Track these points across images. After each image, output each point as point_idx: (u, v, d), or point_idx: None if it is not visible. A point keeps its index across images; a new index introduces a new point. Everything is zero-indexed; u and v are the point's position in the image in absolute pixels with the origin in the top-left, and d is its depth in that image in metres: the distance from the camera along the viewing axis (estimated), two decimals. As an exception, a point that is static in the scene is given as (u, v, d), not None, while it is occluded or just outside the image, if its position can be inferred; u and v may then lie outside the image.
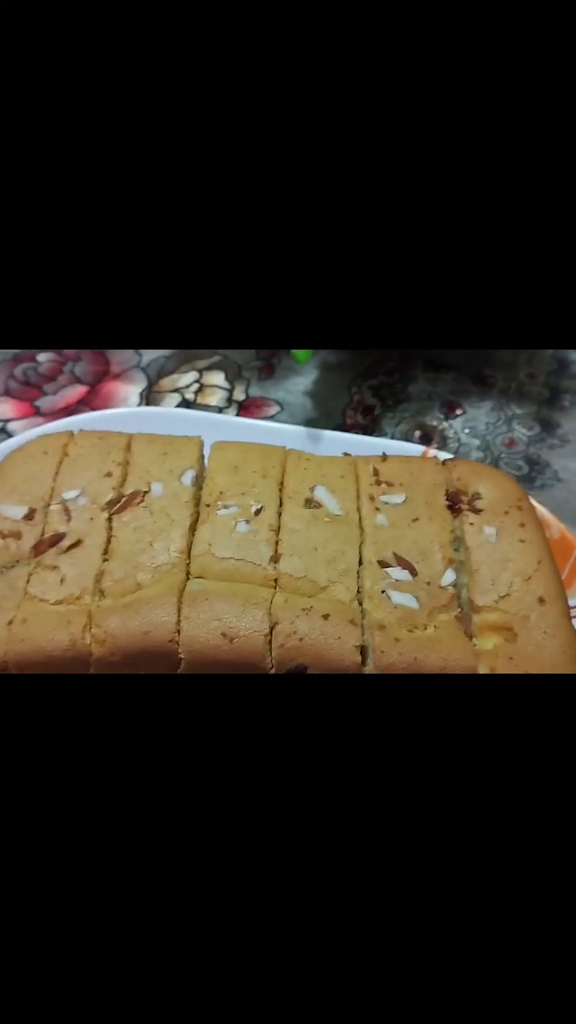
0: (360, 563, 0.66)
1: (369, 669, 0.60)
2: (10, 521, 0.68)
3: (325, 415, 1.03)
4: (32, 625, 0.61)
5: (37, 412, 1.07)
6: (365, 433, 0.95)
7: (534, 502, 0.74)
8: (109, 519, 0.68)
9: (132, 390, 1.09)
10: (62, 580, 0.64)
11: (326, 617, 0.60)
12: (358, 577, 0.65)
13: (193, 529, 0.67)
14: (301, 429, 0.87)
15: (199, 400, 1.08)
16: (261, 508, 0.68)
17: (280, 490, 0.70)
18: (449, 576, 0.65)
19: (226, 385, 1.09)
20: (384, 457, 0.74)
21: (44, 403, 1.08)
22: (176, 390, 1.09)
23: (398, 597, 0.63)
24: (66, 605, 0.62)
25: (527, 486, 0.92)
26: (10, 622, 0.61)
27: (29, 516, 0.69)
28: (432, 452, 0.81)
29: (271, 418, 1.04)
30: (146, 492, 0.70)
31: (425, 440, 0.98)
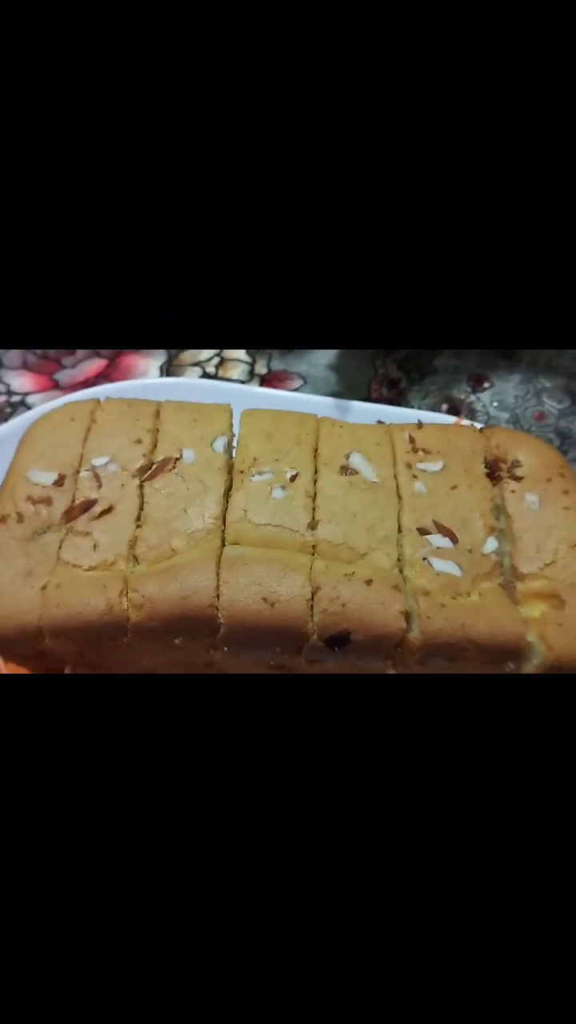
0: (399, 530, 0.64)
1: (414, 635, 0.58)
2: (40, 487, 0.66)
3: (349, 389, 1.01)
4: (67, 590, 0.59)
5: (56, 386, 1.05)
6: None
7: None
8: (140, 486, 0.66)
9: (152, 364, 1.07)
10: (95, 546, 0.62)
11: (369, 583, 0.59)
12: (398, 545, 0.63)
13: (227, 496, 0.66)
14: (329, 400, 0.86)
15: (220, 374, 1.06)
16: (296, 474, 0.66)
17: (315, 457, 0.68)
18: (491, 544, 0.64)
19: (247, 359, 1.07)
20: (420, 425, 0.72)
21: (63, 376, 1.06)
22: (197, 363, 1.07)
23: (440, 564, 0.62)
24: (100, 571, 0.61)
25: (558, 460, 0.90)
26: (44, 587, 0.60)
27: (59, 482, 0.67)
28: (465, 422, 0.79)
29: (295, 392, 1.02)
30: (177, 459, 0.68)
31: (453, 413, 0.96)
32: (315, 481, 0.66)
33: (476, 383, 0.99)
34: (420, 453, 0.70)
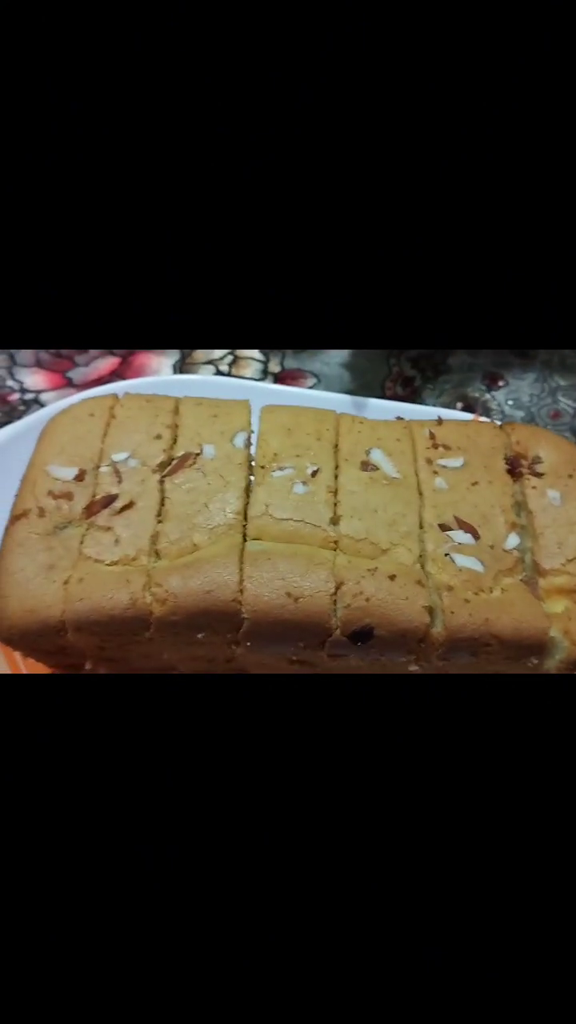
0: (420, 526, 0.64)
1: (438, 631, 0.58)
2: (60, 482, 0.66)
3: (363, 387, 1.01)
4: (89, 585, 0.59)
5: (69, 383, 1.05)
6: (407, 404, 0.93)
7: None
8: (161, 481, 0.66)
9: (165, 362, 1.08)
10: (116, 541, 0.62)
11: (392, 578, 0.59)
12: (420, 540, 0.63)
13: (248, 491, 0.66)
14: (346, 397, 0.86)
15: (233, 372, 1.06)
16: (317, 470, 0.66)
17: (335, 453, 0.68)
18: (513, 540, 0.63)
19: (261, 357, 1.07)
20: (440, 421, 0.72)
21: (76, 374, 1.06)
22: (210, 362, 1.07)
23: (462, 560, 0.61)
24: (122, 566, 0.61)
25: (573, 458, 0.90)
26: (66, 582, 0.60)
27: (79, 477, 0.67)
28: (484, 419, 0.79)
29: (310, 390, 1.02)
30: (198, 454, 0.68)
31: (468, 411, 0.96)
32: (336, 477, 0.66)
33: (491, 382, 0.99)
34: (440, 449, 0.69)
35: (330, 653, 0.60)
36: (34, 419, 0.80)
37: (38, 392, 1.03)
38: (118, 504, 0.64)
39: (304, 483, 0.65)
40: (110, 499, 0.65)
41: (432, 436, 0.70)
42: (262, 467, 0.66)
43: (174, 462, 0.67)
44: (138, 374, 1.06)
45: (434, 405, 0.97)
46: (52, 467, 0.67)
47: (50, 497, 0.65)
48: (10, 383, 1.04)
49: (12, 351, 1.08)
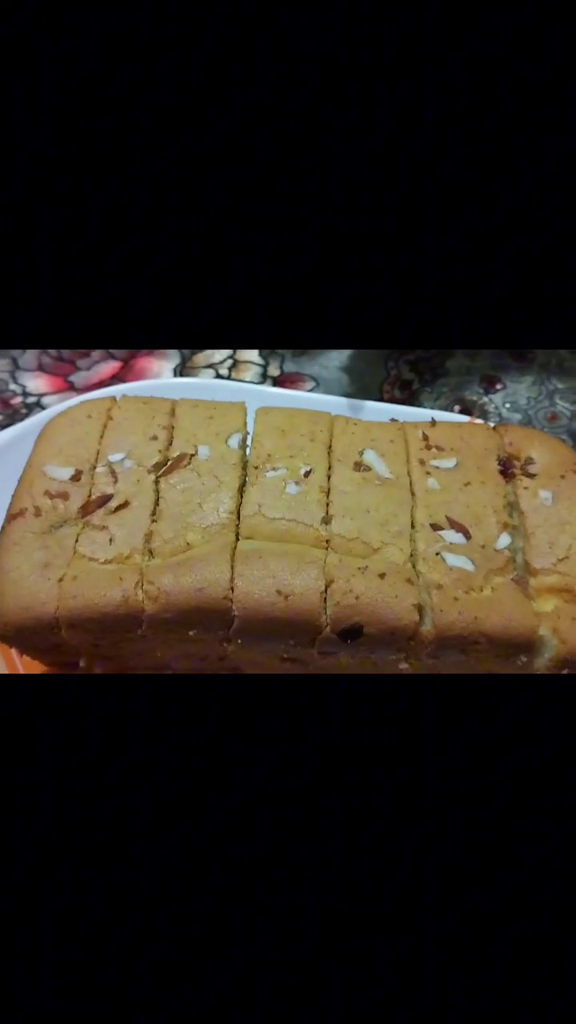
0: (412, 526, 0.64)
1: (427, 629, 0.58)
2: (57, 482, 0.67)
3: (362, 390, 1.02)
4: (83, 582, 0.60)
5: (71, 387, 1.06)
6: (405, 407, 0.94)
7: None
8: (156, 481, 0.67)
9: (166, 365, 1.09)
10: (111, 540, 0.63)
11: (382, 576, 0.59)
12: (412, 540, 0.63)
13: (241, 491, 0.66)
14: (342, 400, 0.86)
15: (233, 376, 1.07)
16: (310, 470, 0.67)
17: (329, 454, 0.69)
18: (504, 540, 0.64)
19: (260, 360, 1.08)
20: (433, 422, 0.73)
21: (78, 378, 1.07)
22: (210, 365, 1.08)
23: (453, 559, 0.62)
24: (116, 564, 0.62)
25: (570, 460, 0.90)
26: (60, 579, 0.60)
27: (75, 477, 0.68)
28: (479, 421, 0.80)
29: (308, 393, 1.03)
30: (192, 455, 0.69)
31: (465, 414, 0.96)
32: (329, 477, 0.67)
33: (488, 384, 1.00)
34: (434, 450, 0.70)
35: (320, 651, 0.60)
36: (34, 421, 0.81)
37: (40, 395, 1.05)
38: (113, 504, 0.65)
39: (297, 483, 0.66)
40: (105, 499, 0.66)
41: (425, 437, 0.71)
42: (255, 467, 0.67)
43: (169, 462, 0.68)
44: (139, 378, 1.07)
45: (432, 408, 0.98)
46: (49, 467, 0.68)
47: (46, 497, 0.66)
48: (12, 387, 1.06)
49: (15, 355, 1.10)
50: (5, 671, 0.71)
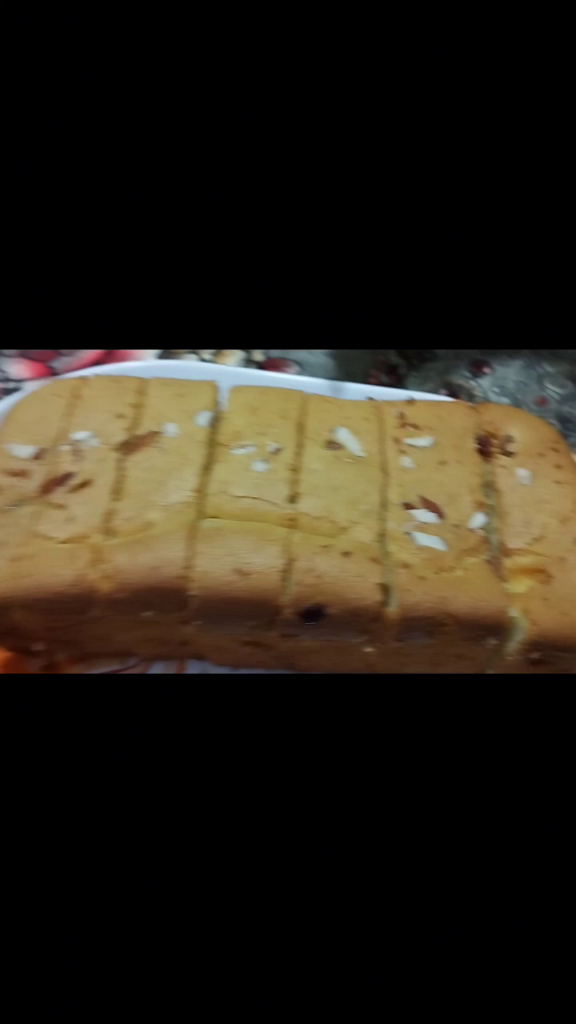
0: (384, 505, 0.62)
1: (392, 609, 0.56)
2: (18, 460, 0.65)
3: (348, 375, 0.99)
4: (37, 561, 0.57)
5: (53, 373, 1.04)
6: (389, 390, 0.91)
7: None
8: (120, 459, 0.65)
9: (148, 352, 1.07)
10: (70, 519, 0.61)
11: (346, 555, 0.56)
12: (381, 519, 0.61)
13: (207, 469, 0.64)
14: (324, 382, 0.84)
15: (217, 361, 1.04)
16: (280, 448, 0.64)
17: (300, 432, 0.66)
18: (479, 519, 0.61)
19: (246, 346, 1.06)
20: (411, 401, 0.70)
21: (60, 364, 1.06)
22: (193, 351, 1.06)
23: (424, 539, 0.59)
24: (73, 543, 0.59)
25: (560, 445, 0.87)
26: (14, 559, 0.58)
27: (38, 456, 0.66)
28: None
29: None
30: (159, 432, 0.67)
31: (452, 398, 0.94)
32: (298, 455, 0.64)
33: (476, 368, 0.97)
34: (409, 428, 0.67)
35: (282, 633, 0.58)
36: (5, 404, 0.80)
37: (20, 381, 1.03)
38: (74, 482, 0.63)
39: (265, 461, 0.63)
40: (66, 477, 0.63)
41: (401, 416, 0.68)
42: (222, 444, 0.65)
43: (135, 441, 0.66)
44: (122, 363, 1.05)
45: (416, 392, 0.95)
46: (11, 445, 0.66)
47: (6, 475, 0.64)
48: (-7, 373, 1.04)
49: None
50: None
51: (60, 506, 0.62)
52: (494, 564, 0.59)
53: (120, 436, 0.66)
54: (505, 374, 0.96)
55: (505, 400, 0.93)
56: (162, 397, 0.70)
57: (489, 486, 0.64)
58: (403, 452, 0.65)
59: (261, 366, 1.04)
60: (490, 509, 0.63)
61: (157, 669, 0.68)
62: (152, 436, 0.66)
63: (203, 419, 0.67)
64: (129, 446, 0.66)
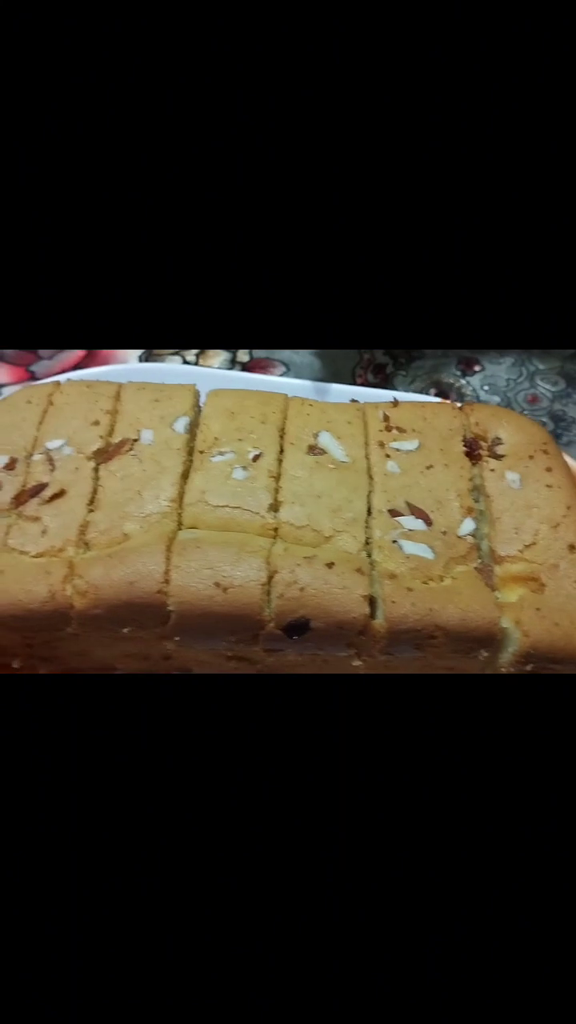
0: (369, 512, 0.60)
1: (379, 622, 0.53)
2: (-11, 471, 0.63)
3: (334, 375, 0.97)
4: (8, 577, 0.55)
5: (33, 377, 1.02)
6: (376, 390, 0.89)
7: (561, 448, 0.67)
8: (96, 468, 0.63)
9: (131, 354, 1.04)
10: (44, 532, 0.59)
11: (330, 566, 0.54)
12: (366, 527, 0.59)
13: (185, 477, 0.62)
14: (307, 383, 0.81)
15: (200, 363, 1.02)
16: (260, 454, 0.62)
17: (281, 436, 0.64)
18: (468, 525, 0.59)
19: (229, 347, 1.04)
20: (395, 403, 0.68)
21: (40, 368, 1.03)
22: (176, 352, 1.04)
23: (411, 547, 0.57)
24: (47, 557, 0.57)
25: (551, 444, 0.85)
26: (-15, 574, 0.56)
27: (9, 466, 0.63)
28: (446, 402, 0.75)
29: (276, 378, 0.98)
30: (135, 440, 0.64)
31: (441, 398, 0.91)
32: (280, 461, 0.62)
33: (466, 367, 0.95)
34: (394, 432, 0.65)
35: (265, 647, 0.56)
36: (-21, 410, 0.77)
37: (0, 386, 1.00)
38: (48, 493, 0.61)
39: (244, 468, 0.61)
40: (40, 488, 0.61)
41: (386, 418, 0.66)
42: (201, 452, 0.63)
43: (110, 449, 0.64)
44: (104, 365, 1.03)
45: (407, 392, 0.93)
46: (-20, 456, 0.64)
47: (-23, 487, 0.62)
48: (-28, 378, 1.01)
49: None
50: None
51: (33, 518, 0.59)
52: (484, 572, 0.57)
53: (95, 444, 0.64)
54: (495, 372, 0.94)
55: (496, 399, 0.91)
56: (138, 403, 0.68)
57: (478, 490, 0.62)
58: (388, 456, 0.63)
59: (246, 367, 1.01)
60: (479, 515, 0.60)
61: (138, 685, 0.65)
62: (128, 443, 0.64)
63: (180, 425, 0.65)
64: (104, 454, 0.64)
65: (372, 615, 0.54)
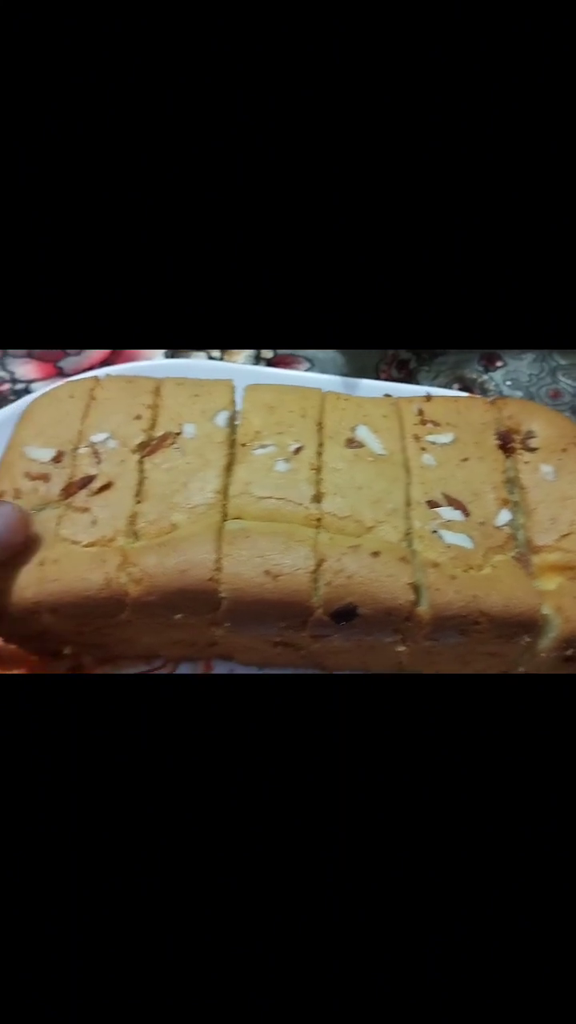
0: (408, 504, 0.61)
1: (424, 609, 0.55)
2: (38, 463, 0.65)
3: (357, 371, 0.99)
4: (64, 566, 0.57)
5: (60, 373, 1.03)
6: (402, 386, 0.91)
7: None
8: (140, 461, 0.64)
9: (157, 352, 1.06)
10: (94, 522, 0.60)
11: (376, 555, 0.56)
12: (407, 518, 0.60)
13: (228, 470, 0.64)
14: (336, 378, 0.83)
15: (225, 359, 1.04)
16: (300, 447, 0.64)
17: (319, 430, 0.66)
18: (504, 516, 0.61)
19: (254, 343, 1.05)
20: (428, 397, 0.70)
21: (67, 364, 1.05)
22: (202, 348, 1.05)
23: (451, 537, 0.59)
24: (99, 547, 0.59)
25: (574, 438, 0.87)
26: (41, 563, 0.58)
27: (57, 459, 0.65)
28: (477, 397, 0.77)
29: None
30: (178, 434, 0.66)
31: (464, 393, 0.93)
32: (319, 454, 0.64)
33: (488, 362, 0.97)
34: (429, 425, 0.67)
35: (313, 633, 0.58)
36: (16, 407, 0.79)
37: (29, 382, 1.02)
38: (96, 485, 0.62)
39: (286, 460, 0.63)
40: (87, 480, 0.63)
41: (420, 412, 0.68)
42: (243, 445, 0.64)
43: (154, 442, 0.65)
44: (129, 363, 1.04)
45: (430, 387, 0.95)
46: (29, 449, 0.65)
47: (27, 479, 0.63)
48: (1, 373, 1.03)
49: (2, 341, 1.07)
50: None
51: (83, 509, 0.61)
52: (522, 561, 0.59)
53: (138, 437, 0.66)
54: (518, 367, 0.95)
55: (519, 393, 0.93)
56: (178, 397, 0.69)
57: (512, 482, 0.64)
58: (424, 449, 0.65)
59: (270, 363, 1.03)
60: (515, 506, 0.62)
61: (184, 670, 0.67)
62: (170, 437, 0.66)
63: (221, 419, 0.67)
64: (147, 447, 0.65)
65: (417, 602, 0.56)
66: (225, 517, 0.60)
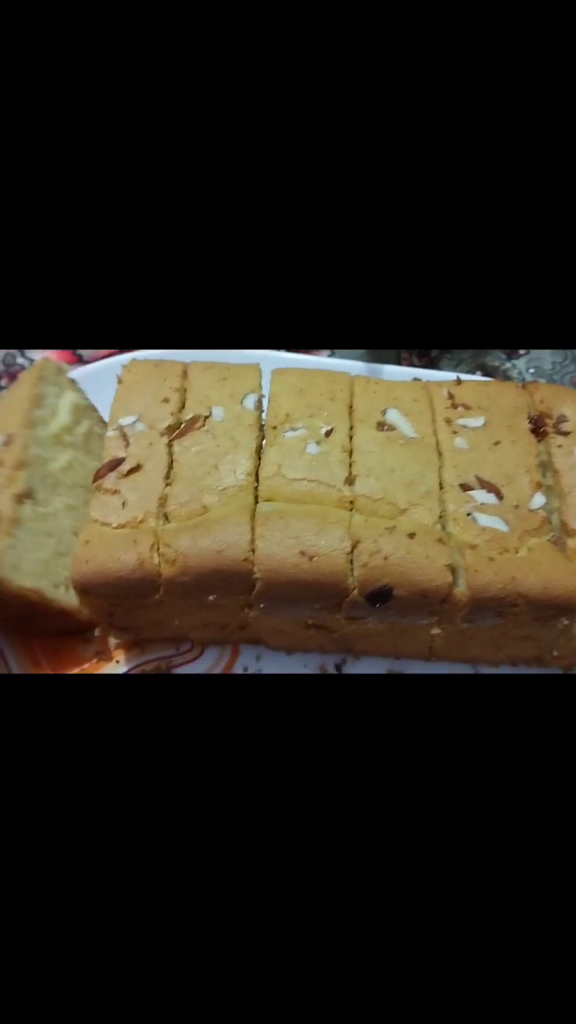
0: (440, 487, 0.61)
1: (461, 590, 0.55)
2: None
3: (379, 357, 0.98)
4: (96, 547, 0.57)
5: (80, 360, 1.03)
6: (424, 374, 0.90)
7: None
8: (169, 444, 0.64)
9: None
10: (124, 504, 0.60)
11: (412, 536, 0.56)
12: (440, 500, 0.60)
13: (259, 452, 0.63)
14: (361, 364, 0.82)
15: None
16: (332, 430, 0.63)
17: (350, 413, 0.65)
18: (539, 500, 0.60)
19: (273, 331, 1.05)
20: (459, 381, 0.69)
21: (87, 351, 1.04)
22: (222, 336, 1.05)
23: (485, 520, 0.58)
24: (130, 528, 0.58)
25: (599, 425, 0.86)
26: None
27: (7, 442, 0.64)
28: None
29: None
30: (207, 416, 0.65)
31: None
32: (351, 437, 0.63)
33: (510, 350, 0.96)
34: (460, 409, 0.66)
35: (347, 615, 0.57)
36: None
37: (47, 369, 1.02)
38: (125, 467, 0.62)
39: (318, 443, 0.62)
40: (116, 463, 0.62)
41: (451, 396, 0.67)
42: (273, 427, 0.64)
43: (183, 425, 0.65)
44: (148, 350, 1.04)
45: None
46: None
47: None
48: (20, 360, 1.03)
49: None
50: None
51: (112, 491, 0.61)
52: (558, 544, 0.58)
53: (167, 420, 0.65)
54: (540, 355, 0.95)
55: (541, 381, 0.92)
56: (206, 381, 0.69)
57: (544, 466, 0.63)
58: (455, 433, 0.64)
59: (291, 350, 1.02)
60: (548, 489, 0.62)
61: (211, 654, 0.67)
62: (199, 420, 0.65)
63: (250, 402, 0.66)
64: (176, 430, 0.65)
65: (454, 584, 0.55)
66: (257, 499, 0.60)
